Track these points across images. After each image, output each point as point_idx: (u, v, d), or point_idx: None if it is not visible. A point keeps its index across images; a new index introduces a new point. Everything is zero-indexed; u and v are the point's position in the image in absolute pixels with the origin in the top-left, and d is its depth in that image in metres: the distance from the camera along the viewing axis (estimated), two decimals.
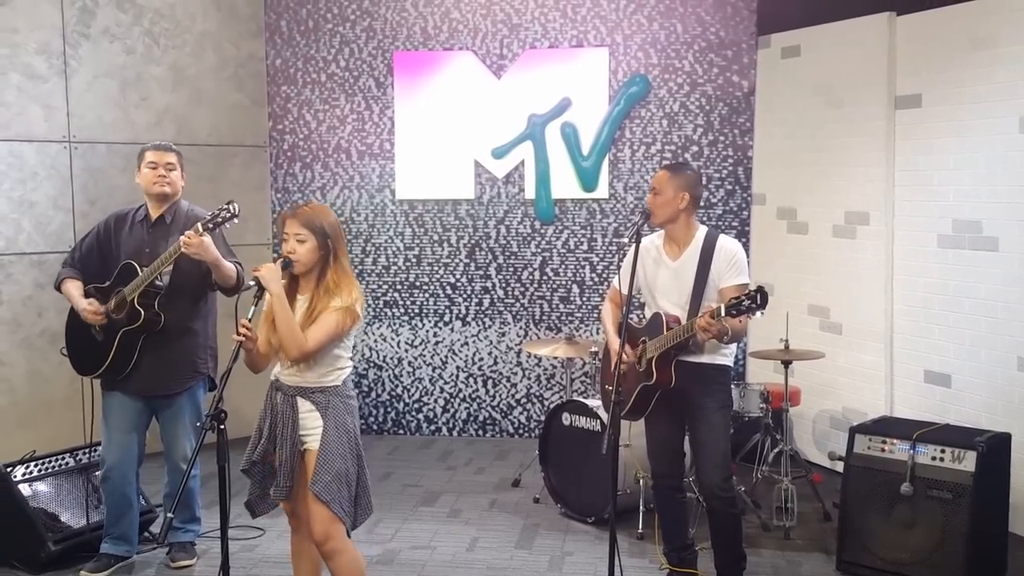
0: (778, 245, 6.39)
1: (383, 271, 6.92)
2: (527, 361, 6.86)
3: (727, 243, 4.02)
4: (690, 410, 4.06)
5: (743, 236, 6.53)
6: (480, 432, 6.93)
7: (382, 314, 6.95)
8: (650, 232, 4.28)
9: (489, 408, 6.92)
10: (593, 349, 5.60)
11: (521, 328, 6.84)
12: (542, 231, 6.79)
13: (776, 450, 5.20)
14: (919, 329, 5.48)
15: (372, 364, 6.98)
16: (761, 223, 6.54)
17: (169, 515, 3.24)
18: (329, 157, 6.90)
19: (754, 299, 3.55)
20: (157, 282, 4.26)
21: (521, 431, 6.89)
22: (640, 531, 4.90)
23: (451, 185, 6.80)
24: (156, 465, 4.80)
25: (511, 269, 6.83)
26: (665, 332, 3.94)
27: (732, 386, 4.30)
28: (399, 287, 6.93)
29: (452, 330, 6.90)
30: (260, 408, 3.59)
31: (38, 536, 4.43)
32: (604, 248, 6.74)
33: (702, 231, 4.08)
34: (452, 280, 6.88)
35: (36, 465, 4.60)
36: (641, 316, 4.41)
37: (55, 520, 4.53)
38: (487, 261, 6.84)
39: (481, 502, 5.52)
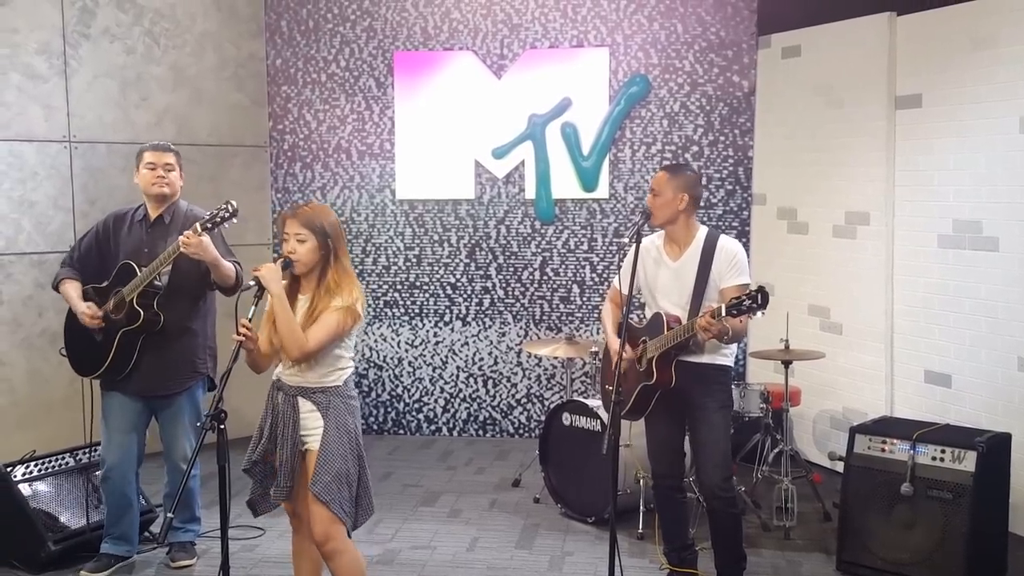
0: (778, 245, 6.39)
1: (383, 271, 6.92)
2: (527, 361, 6.86)
3: (728, 243, 4.02)
4: (690, 410, 4.06)
5: (743, 236, 6.53)
6: (480, 432, 6.93)
7: (382, 314, 6.95)
8: (650, 232, 4.27)
9: (489, 408, 6.92)
10: (593, 349, 5.60)
11: (521, 328, 6.84)
12: (542, 231, 6.79)
13: (776, 450, 5.20)
14: (919, 329, 5.48)
15: (372, 364, 6.98)
16: (761, 223, 6.54)
17: (169, 515, 3.24)
18: (329, 157, 6.90)
19: (755, 299, 3.55)
20: (156, 282, 4.26)
21: (521, 431, 6.89)
22: (640, 531, 4.90)
23: (451, 185, 6.80)
24: (156, 465, 4.80)
25: (511, 269, 6.83)
26: (666, 332, 3.94)
27: (732, 386, 4.29)
28: (399, 287, 6.92)
29: (452, 330, 6.90)
30: (260, 408, 3.58)
31: (38, 536, 4.42)
32: (604, 248, 6.74)
33: (702, 231, 4.07)
34: (452, 280, 6.88)
35: (36, 465, 4.60)
36: (641, 316, 4.41)
37: (55, 520, 4.53)
38: (487, 261, 6.84)
39: (481, 502, 5.52)
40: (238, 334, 3.34)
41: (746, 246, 6.34)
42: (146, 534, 4.76)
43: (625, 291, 3.96)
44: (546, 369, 6.83)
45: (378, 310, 6.94)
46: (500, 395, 6.90)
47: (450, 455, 6.48)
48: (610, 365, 4.17)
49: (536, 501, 5.46)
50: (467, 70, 6.72)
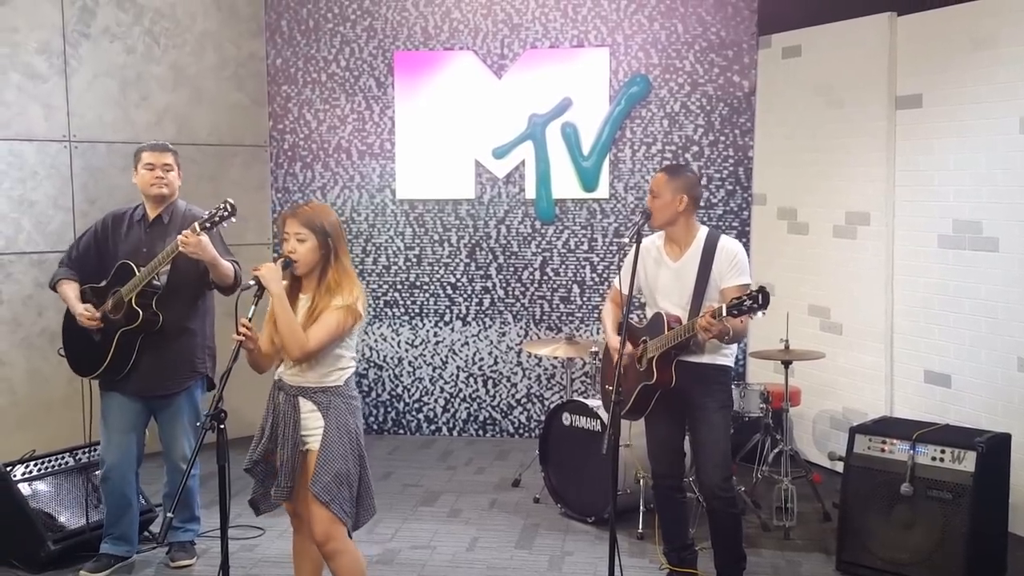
0: (778, 245, 6.39)
1: (383, 271, 6.92)
2: (527, 361, 6.86)
3: (728, 243, 4.02)
4: (690, 410, 4.06)
5: (743, 236, 6.53)
6: (480, 432, 6.93)
7: (382, 314, 6.94)
8: (650, 232, 4.27)
9: (489, 408, 6.92)
10: (593, 349, 5.60)
11: (521, 328, 6.84)
12: (542, 231, 6.79)
13: (776, 450, 5.20)
14: (919, 329, 5.48)
15: (372, 364, 6.98)
16: (761, 223, 6.54)
17: (169, 515, 3.24)
18: (329, 157, 6.90)
19: (755, 299, 3.55)
20: (155, 282, 4.26)
21: (521, 431, 6.89)
22: (640, 531, 4.89)
23: (451, 185, 6.80)
24: (156, 465, 4.79)
25: (511, 269, 6.83)
26: (666, 332, 3.94)
27: (732, 386, 4.29)
28: (399, 287, 6.92)
29: (452, 330, 6.90)
30: (260, 408, 3.58)
31: (38, 536, 4.42)
32: (604, 248, 6.74)
33: (703, 232, 4.07)
34: (452, 280, 6.88)
35: (36, 465, 4.60)
36: (642, 316, 4.41)
37: (54, 520, 4.52)
38: (487, 261, 6.84)
39: (481, 502, 5.52)
40: (238, 334, 3.34)
41: (746, 246, 6.33)
42: (146, 534, 4.76)
43: (625, 291, 3.96)
44: (546, 369, 6.83)
45: (378, 310, 6.94)
46: (500, 395, 6.89)
47: (450, 455, 6.48)
48: (610, 365, 4.17)
49: (536, 501, 5.46)
50: (467, 70, 6.72)
